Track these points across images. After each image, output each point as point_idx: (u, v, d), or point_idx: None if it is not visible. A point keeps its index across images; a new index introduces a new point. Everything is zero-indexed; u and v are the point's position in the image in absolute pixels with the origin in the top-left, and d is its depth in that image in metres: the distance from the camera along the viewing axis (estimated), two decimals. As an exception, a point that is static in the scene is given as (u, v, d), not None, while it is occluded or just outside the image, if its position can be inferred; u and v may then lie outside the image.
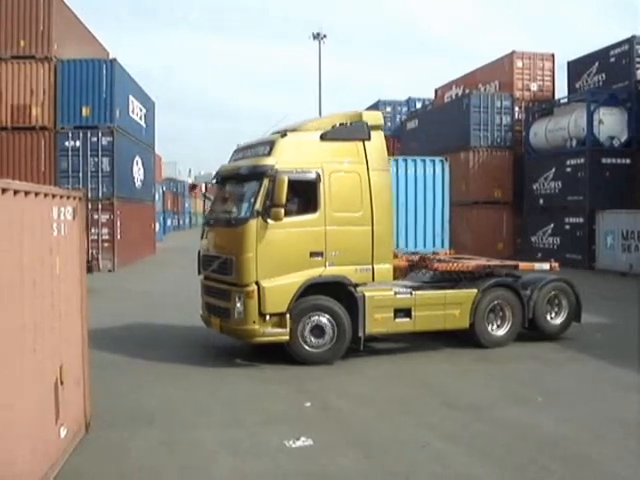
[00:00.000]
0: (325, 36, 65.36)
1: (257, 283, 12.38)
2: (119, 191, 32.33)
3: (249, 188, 12.99)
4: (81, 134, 31.72)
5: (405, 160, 20.41)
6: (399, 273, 15.53)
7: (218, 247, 13.55)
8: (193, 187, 28.88)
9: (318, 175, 12.74)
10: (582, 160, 33.62)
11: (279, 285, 12.44)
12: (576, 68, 38.23)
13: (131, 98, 35.95)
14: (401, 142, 51.00)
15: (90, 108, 31.85)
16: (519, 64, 40.44)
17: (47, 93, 31.82)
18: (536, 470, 7.79)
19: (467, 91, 43.41)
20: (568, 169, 34.61)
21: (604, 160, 33.15)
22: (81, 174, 31.50)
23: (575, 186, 33.90)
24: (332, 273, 12.89)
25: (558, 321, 15.29)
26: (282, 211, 12.24)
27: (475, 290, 14.21)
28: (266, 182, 12.45)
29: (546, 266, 15.86)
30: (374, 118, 13.68)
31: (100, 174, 31.71)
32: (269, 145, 12.99)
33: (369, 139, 13.25)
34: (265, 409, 10.19)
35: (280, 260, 12.50)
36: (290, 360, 12.92)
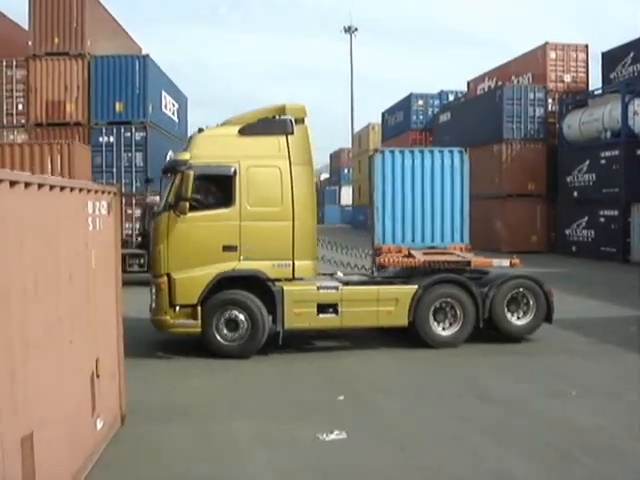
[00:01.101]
0: (357, 29, 65.28)
1: (168, 275, 12.58)
2: (152, 186, 32.53)
3: (170, 182, 13.14)
4: (114, 129, 31.95)
5: (422, 151, 19.96)
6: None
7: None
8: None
9: (233, 170, 12.76)
10: (617, 152, 33.20)
11: (189, 277, 12.57)
12: (610, 59, 37.65)
13: (164, 93, 36.14)
14: (433, 135, 50.85)
15: (123, 104, 32.09)
16: (552, 55, 39.99)
17: (81, 89, 32.11)
18: (569, 463, 7.75)
19: (500, 83, 43.12)
20: (602, 161, 34.23)
21: (639, 152, 32.71)
22: (115, 169, 31.70)
23: (610, 178, 33.48)
24: (246, 267, 12.88)
25: (523, 321, 14.34)
26: (187, 205, 12.41)
27: (415, 286, 13.76)
28: (178, 177, 12.65)
29: (505, 262, 14.96)
30: (297, 111, 13.39)
31: (133, 169, 31.91)
32: (189, 141, 13.29)
33: (292, 133, 13.10)
34: (298, 401, 10.24)
35: (191, 253, 12.64)
36: (320, 350, 12.98)
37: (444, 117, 49.33)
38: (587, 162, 35.47)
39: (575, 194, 36.55)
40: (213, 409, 9.85)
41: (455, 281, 14.09)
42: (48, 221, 6.29)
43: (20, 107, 32.08)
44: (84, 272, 7.36)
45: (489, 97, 42.12)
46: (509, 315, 14.24)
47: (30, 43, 31.94)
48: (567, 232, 36.93)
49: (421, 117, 55.86)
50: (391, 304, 13.47)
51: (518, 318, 14.33)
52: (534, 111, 39.20)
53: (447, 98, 56.25)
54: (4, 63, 31.95)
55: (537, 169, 38.98)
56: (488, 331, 14.25)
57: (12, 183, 5.39)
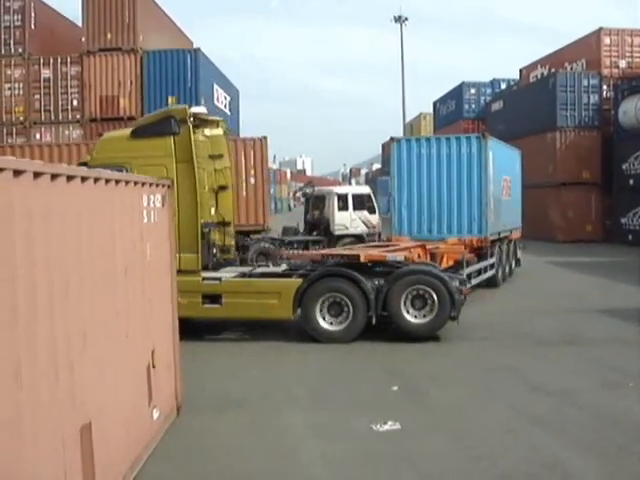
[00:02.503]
0: (407, 19, 64.59)
1: None
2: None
3: None
4: (167, 123, 32.25)
5: (438, 139, 19.47)
6: None
7: None
8: None
9: (124, 170, 13.13)
10: (675, 138, 32.53)
11: None
12: (668, 42, 36.95)
13: (215, 86, 36.36)
14: (486, 124, 50.34)
15: (176, 97, 32.35)
16: (607, 41, 39.26)
17: (134, 84, 32.52)
18: (626, 456, 7.63)
19: (553, 70, 42.52)
20: (660, 148, 33.59)
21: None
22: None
23: (667, 165, 32.85)
24: None
25: (425, 319, 13.42)
26: None
27: (299, 280, 13.71)
28: None
29: (400, 257, 14.04)
30: (180, 113, 14.04)
31: (187, 162, 32.21)
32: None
33: (177, 133, 13.77)
34: (352, 392, 10.26)
35: None
36: (377, 342, 13.01)
37: (496, 106, 48.86)
38: (643, 149, 34.80)
39: (631, 182, 35.86)
40: (267, 400, 9.90)
41: (343, 275, 13.65)
42: (104, 214, 6.39)
43: (75, 103, 32.62)
44: (139, 265, 7.46)
45: (542, 84, 41.58)
46: (406, 312, 13.42)
47: (84, 39, 32.43)
48: (623, 221, 36.30)
49: (473, 106, 55.41)
50: (274, 297, 13.56)
51: (424, 316, 13.44)
52: (588, 98, 38.61)
53: (499, 86, 55.70)
54: (59, 60, 32.50)
55: (592, 157, 38.42)
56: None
57: (69, 177, 5.49)
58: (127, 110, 32.50)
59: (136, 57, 32.53)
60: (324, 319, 13.55)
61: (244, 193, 24.38)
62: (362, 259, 13.82)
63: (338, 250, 15.03)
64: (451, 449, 7.94)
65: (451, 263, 17.45)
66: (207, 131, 15.55)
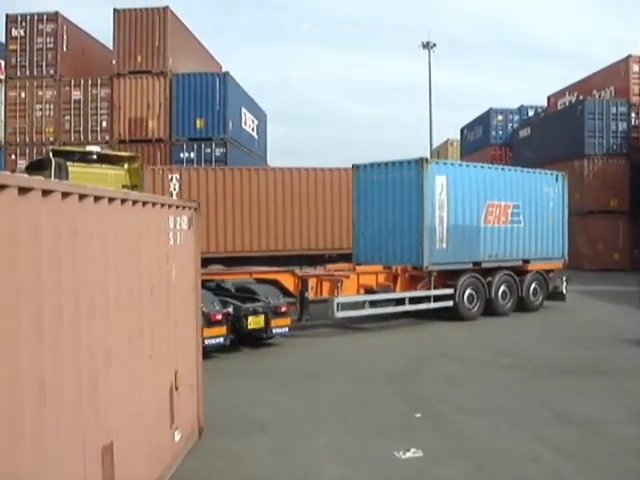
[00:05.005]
0: (435, 45, 64.73)
1: None
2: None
3: None
4: (195, 146, 32.53)
5: (387, 164, 19.02)
6: None
7: None
8: None
9: None
10: None
11: None
12: (697, 70, 36.76)
13: (243, 110, 36.63)
14: (513, 151, 50.26)
15: (204, 120, 32.67)
16: (635, 68, 39.17)
17: (162, 106, 32.86)
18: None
19: (581, 97, 42.42)
20: (689, 176, 33.32)
21: None
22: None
23: (697, 194, 32.56)
24: None
25: None
26: None
27: None
28: None
29: None
30: (47, 154, 18.42)
31: (213, 185, 32.43)
32: None
33: (46, 170, 16.72)
34: (374, 418, 10.17)
35: None
36: (396, 367, 12.92)
37: (524, 132, 48.78)
38: (672, 178, 34.53)
39: (660, 211, 35.56)
40: (290, 424, 9.85)
41: None
42: (131, 235, 6.42)
43: (104, 124, 33.02)
44: (165, 286, 7.49)
45: (570, 112, 41.48)
46: None
47: (114, 62, 32.85)
48: (651, 250, 35.97)
49: (500, 132, 55.35)
50: None
51: None
52: (617, 125, 38.45)
53: (527, 113, 55.65)
54: (89, 82, 32.93)
55: (620, 185, 38.20)
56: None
57: (97, 198, 5.53)
58: (155, 132, 32.82)
59: (165, 80, 32.89)
60: None
61: None
62: None
63: None
64: (474, 478, 7.85)
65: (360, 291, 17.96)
66: (126, 165, 19.49)
